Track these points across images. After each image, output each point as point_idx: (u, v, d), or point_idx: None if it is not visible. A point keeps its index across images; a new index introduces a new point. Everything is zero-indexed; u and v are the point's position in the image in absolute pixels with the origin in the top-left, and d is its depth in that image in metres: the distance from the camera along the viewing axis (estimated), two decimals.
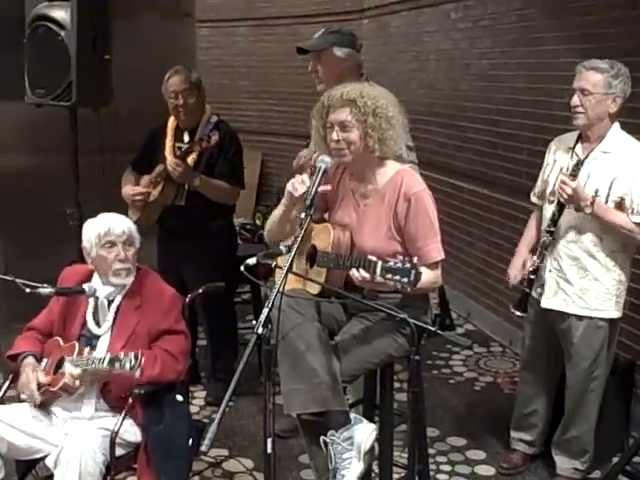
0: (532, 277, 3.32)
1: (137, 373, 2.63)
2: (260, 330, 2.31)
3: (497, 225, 5.26)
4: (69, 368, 2.70)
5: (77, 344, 2.84)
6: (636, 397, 3.76)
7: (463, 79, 5.75)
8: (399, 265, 2.38)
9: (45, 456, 2.70)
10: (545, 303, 3.33)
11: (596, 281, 3.21)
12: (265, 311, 2.32)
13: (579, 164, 3.18)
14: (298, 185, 2.63)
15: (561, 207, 3.21)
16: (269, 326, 2.33)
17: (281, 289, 2.37)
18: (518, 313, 3.37)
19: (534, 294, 3.41)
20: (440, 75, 6.13)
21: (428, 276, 2.61)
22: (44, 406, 2.84)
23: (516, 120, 4.98)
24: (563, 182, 3.12)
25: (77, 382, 2.70)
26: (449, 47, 5.96)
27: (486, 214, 5.44)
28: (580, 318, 3.25)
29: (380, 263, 2.42)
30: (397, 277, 2.37)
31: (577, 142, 3.25)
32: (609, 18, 4.06)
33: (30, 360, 2.86)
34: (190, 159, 3.93)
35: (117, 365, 2.62)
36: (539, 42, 4.75)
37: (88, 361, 2.71)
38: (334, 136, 2.66)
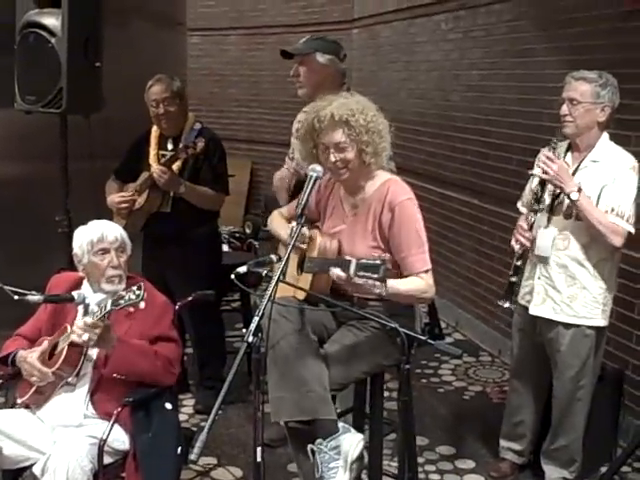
0: (518, 264, 3.30)
1: (142, 305, 2.59)
2: (250, 339, 2.30)
3: (486, 235, 5.28)
4: (79, 322, 2.66)
5: (68, 326, 2.82)
6: (624, 407, 3.78)
7: (453, 89, 5.78)
8: (370, 261, 2.39)
9: (32, 464, 2.67)
10: (533, 310, 3.34)
11: (584, 289, 3.23)
12: (255, 320, 2.32)
13: (557, 142, 3.25)
14: None
15: (543, 184, 3.25)
16: (259, 335, 2.33)
17: (271, 298, 2.37)
18: (506, 305, 3.31)
19: (522, 301, 3.42)
20: (430, 85, 6.16)
21: (416, 285, 2.63)
22: (37, 404, 2.84)
23: (505, 130, 5.00)
24: (548, 158, 3.16)
25: (86, 335, 2.63)
26: (439, 57, 5.99)
27: (475, 224, 5.46)
28: (568, 326, 3.26)
29: (354, 261, 2.42)
30: (368, 273, 2.38)
31: (567, 151, 3.29)
32: (598, 30, 4.10)
33: (23, 352, 2.84)
34: (175, 166, 3.94)
35: (122, 301, 2.59)
36: (529, 53, 4.79)
37: (94, 314, 2.67)
38: (332, 158, 2.68)
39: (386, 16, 6.92)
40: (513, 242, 3.34)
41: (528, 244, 3.27)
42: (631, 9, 3.78)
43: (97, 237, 2.89)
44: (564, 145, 3.33)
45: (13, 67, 3.69)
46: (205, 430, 2.17)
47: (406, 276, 2.67)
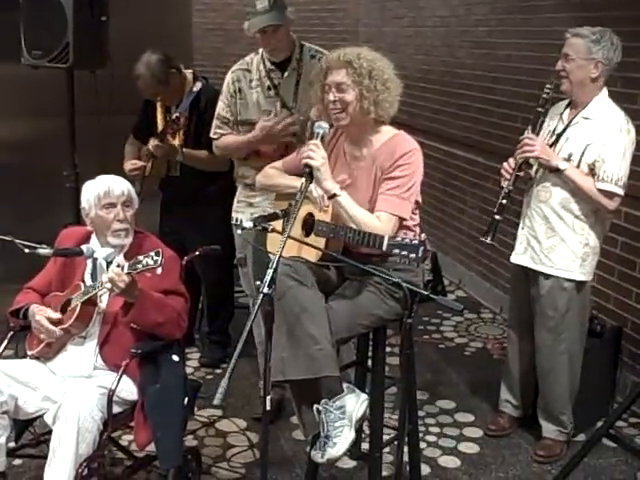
0: (504, 202, 3.30)
1: (159, 270, 2.65)
2: (266, 290, 2.35)
3: (491, 193, 5.27)
4: (115, 268, 2.71)
5: (82, 283, 2.89)
6: (622, 364, 3.85)
7: (459, 46, 5.74)
8: (407, 241, 2.41)
9: (43, 414, 2.74)
10: (514, 259, 3.42)
11: (562, 242, 3.29)
12: (270, 272, 2.37)
13: (539, 115, 3.30)
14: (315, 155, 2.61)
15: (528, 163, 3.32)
16: (273, 286, 2.38)
17: (281, 253, 2.41)
18: (488, 240, 3.29)
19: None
20: (436, 42, 6.11)
21: (369, 218, 2.61)
22: (47, 357, 2.91)
23: (511, 88, 4.99)
24: (529, 138, 3.25)
25: (109, 284, 2.70)
26: (446, 13, 5.94)
27: (480, 181, 5.47)
28: (546, 277, 3.33)
29: (387, 238, 2.45)
30: (405, 252, 2.40)
31: (566, 108, 3.33)
32: None
33: (34, 308, 2.90)
34: (177, 138, 4.01)
35: (139, 266, 2.64)
36: (536, 10, 4.75)
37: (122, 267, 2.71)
38: (330, 97, 2.70)
39: None
40: (502, 180, 3.35)
41: (508, 176, 3.28)
42: None
43: (104, 191, 2.92)
44: (565, 103, 3.36)
45: (19, 22, 3.68)
46: (227, 375, 2.25)
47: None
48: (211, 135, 3.61)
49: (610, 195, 3.20)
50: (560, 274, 3.31)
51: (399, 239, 2.43)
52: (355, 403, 2.60)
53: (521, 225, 3.39)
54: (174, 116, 3.93)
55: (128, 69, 3.92)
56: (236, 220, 3.61)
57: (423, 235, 2.45)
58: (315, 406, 2.60)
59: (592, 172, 3.21)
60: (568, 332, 3.39)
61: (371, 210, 2.68)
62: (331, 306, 2.67)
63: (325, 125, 2.69)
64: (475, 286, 5.61)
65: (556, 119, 3.35)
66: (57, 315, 2.86)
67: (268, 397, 2.44)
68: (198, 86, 4.01)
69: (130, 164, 4.12)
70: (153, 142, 3.97)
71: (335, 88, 2.69)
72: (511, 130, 4.98)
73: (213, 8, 8.92)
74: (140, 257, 2.66)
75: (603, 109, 3.25)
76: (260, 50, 3.49)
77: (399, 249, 2.41)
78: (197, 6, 7.65)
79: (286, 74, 3.44)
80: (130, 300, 2.77)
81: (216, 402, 2.25)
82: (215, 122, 3.57)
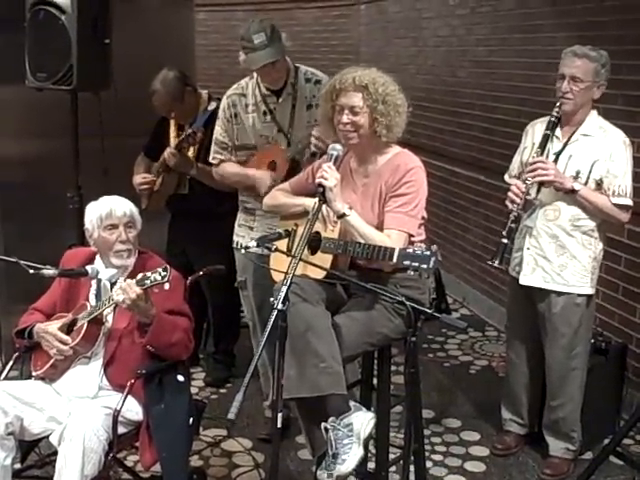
0: (512, 226, 3.28)
1: (166, 286, 2.66)
2: (280, 306, 2.36)
3: (493, 211, 5.30)
4: (129, 280, 2.72)
5: (87, 303, 2.89)
6: (628, 381, 3.83)
7: (461, 65, 5.78)
8: (418, 252, 2.43)
9: (48, 435, 2.73)
10: (523, 280, 3.39)
11: (574, 259, 3.29)
12: (284, 289, 2.38)
13: (547, 138, 3.28)
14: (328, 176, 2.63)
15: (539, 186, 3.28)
16: (287, 302, 2.39)
17: (294, 271, 2.43)
18: (496, 263, 3.26)
19: (511, 272, 3.47)
20: (438, 61, 6.15)
21: (378, 236, 2.64)
22: (52, 377, 2.91)
23: (512, 107, 5.01)
24: (541, 162, 3.21)
25: (121, 296, 2.70)
26: (447, 33, 5.98)
27: (482, 200, 5.48)
28: (559, 294, 3.32)
29: (397, 249, 2.47)
30: (416, 263, 2.42)
31: (556, 126, 3.31)
32: (606, 6, 4.09)
33: (41, 324, 2.91)
34: (190, 152, 4.00)
35: (147, 282, 2.66)
36: (536, 29, 4.78)
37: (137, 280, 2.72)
38: (344, 119, 2.72)
39: None
40: (507, 202, 3.34)
41: (519, 201, 3.25)
42: None
43: (106, 213, 2.94)
44: (544, 120, 3.37)
45: (24, 44, 3.71)
46: (242, 390, 2.27)
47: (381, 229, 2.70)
48: (210, 160, 3.60)
49: (626, 208, 3.23)
50: (573, 290, 3.31)
51: (410, 250, 2.45)
52: (362, 421, 2.60)
53: (526, 245, 3.36)
54: (190, 131, 3.90)
55: (131, 91, 3.95)
56: (237, 244, 3.62)
57: (434, 246, 2.45)
58: (323, 425, 2.59)
59: (599, 187, 3.22)
60: (580, 347, 3.39)
61: (378, 226, 2.70)
62: (337, 324, 2.67)
63: (339, 147, 2.72)
64: (479, 304, 5.61)
65: (540, 136, 3.33)
66: (65, 320, 2.87)
67: (280, 414, 2.44)
68: (213, 105, 3.99)
69: (140, 177, 4.13)
70: (169, 150, 3.94)
71: (349, 110, 2.71)
72: (512, 148, 4.95)
73: (216, 30, 8.99)
74: (148, 273, 2.68)
75: (600, 125, 3.27)
76: (254, 74, 3.48)
77: (410, 260, 2.43)
78: (200, 28, 7.71)
79: (281, 99, 3.41)
80: (142, 320, 2.77)
81: (230, 416, 2.26)
82: (213, 147, 3.56)
